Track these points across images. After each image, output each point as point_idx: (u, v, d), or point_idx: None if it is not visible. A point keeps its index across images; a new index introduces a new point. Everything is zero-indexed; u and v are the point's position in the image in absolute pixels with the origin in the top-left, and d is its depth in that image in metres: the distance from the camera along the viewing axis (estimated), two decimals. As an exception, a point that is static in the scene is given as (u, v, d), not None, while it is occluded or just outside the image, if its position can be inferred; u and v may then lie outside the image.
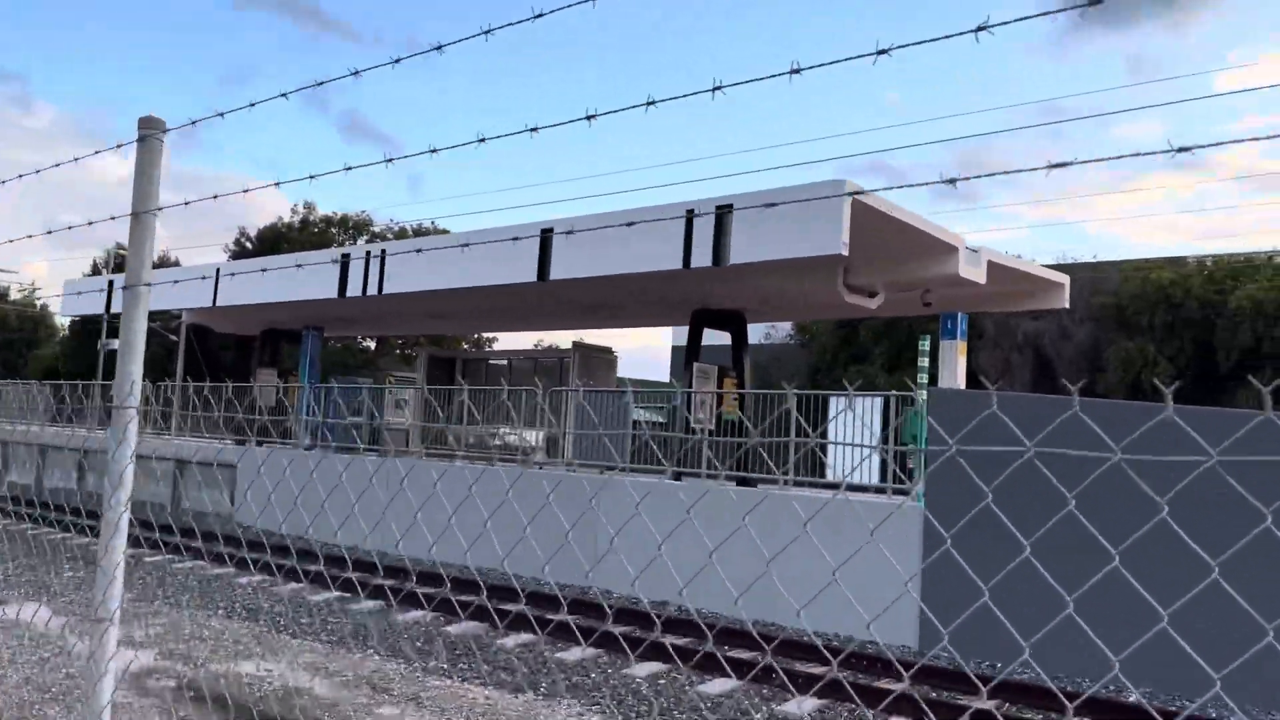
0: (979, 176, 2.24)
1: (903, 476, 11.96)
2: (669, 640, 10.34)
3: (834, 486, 12.73)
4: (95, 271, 70.54)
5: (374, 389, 22.21)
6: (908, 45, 1.97)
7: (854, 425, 12.90)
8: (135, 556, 14.96)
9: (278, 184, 3.50)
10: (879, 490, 12.88)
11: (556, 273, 15.84)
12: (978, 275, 15.27)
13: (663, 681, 8.91)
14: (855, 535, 10.82)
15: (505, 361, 21.53)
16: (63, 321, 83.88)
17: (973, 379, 35.26)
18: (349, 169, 3.13)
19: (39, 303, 79.28)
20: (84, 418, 29.80)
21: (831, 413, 13.63)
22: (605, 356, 19.55)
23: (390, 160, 2.97)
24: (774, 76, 2.22)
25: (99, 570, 3.21)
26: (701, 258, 14.11)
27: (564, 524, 13.43)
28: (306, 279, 20.36)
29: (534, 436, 19.52)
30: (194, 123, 3.12)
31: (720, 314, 17.87)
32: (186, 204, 3.53)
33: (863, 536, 10.59)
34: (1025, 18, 1.89)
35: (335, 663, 9.13)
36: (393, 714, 7.48)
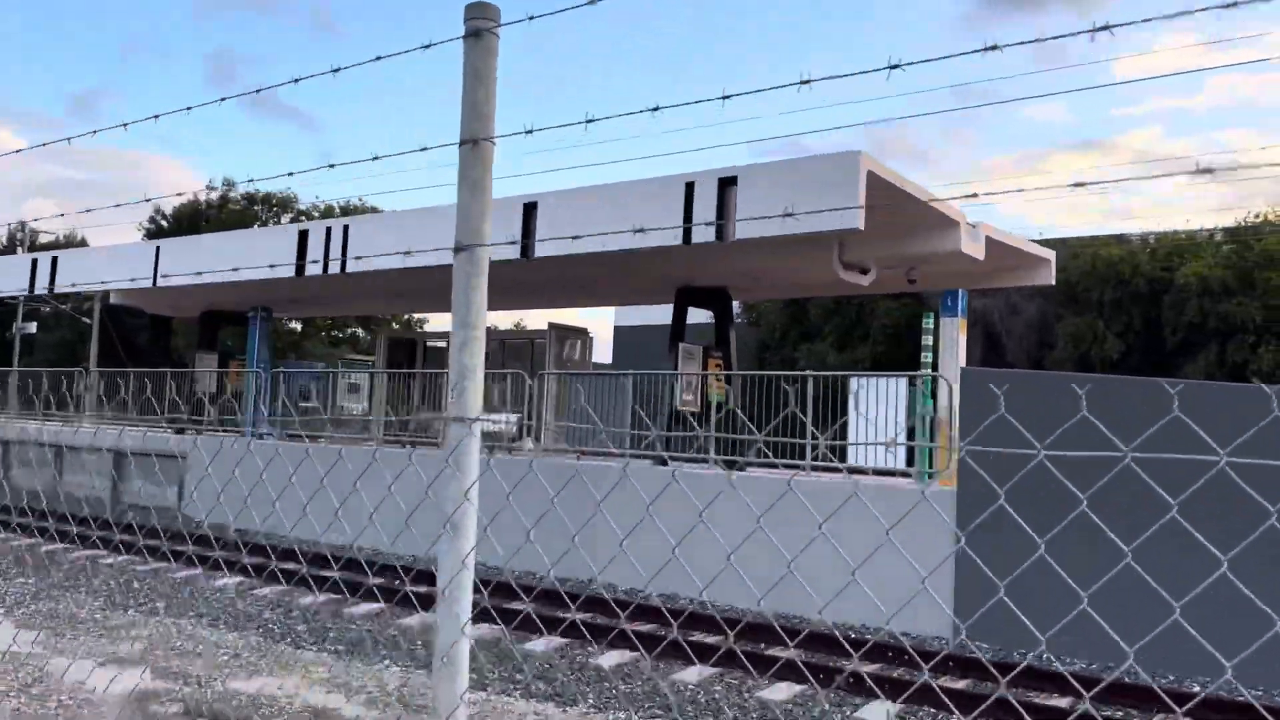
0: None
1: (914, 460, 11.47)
2: (701, 638, 9.70)
3: (857, 472, 12.21)
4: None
5: (322, 374, 21.09)
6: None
7: (877, 408, 12.38)
8: (91, 558, 13.78)
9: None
10: (905, 475, 12.37)
11: (541, 250, 14.99)
12: (977, 251, 14.86)
13: (718, 687, 8.24)
14: (879, 522, 10.28)
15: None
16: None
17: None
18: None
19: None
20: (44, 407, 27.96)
21: (851, 395, 13.08)
22: (580, 338, 18.77)
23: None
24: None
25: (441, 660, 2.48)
26: (704, 232, 13.41)
27: (562, 516, 12.64)
28: (258, 257, 19.14)
29: (503, 420, 18.65)
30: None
31: (705, 292, 17.21)
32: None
33: (889, 523, 10.04)
34: None
35: (354, 676, 8.28)
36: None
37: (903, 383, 12.84)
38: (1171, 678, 9.08)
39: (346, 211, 60.46)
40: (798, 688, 8.07)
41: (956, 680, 8.52)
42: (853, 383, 13.31)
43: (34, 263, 23.56)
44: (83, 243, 57.13)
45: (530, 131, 2.94)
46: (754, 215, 13.00)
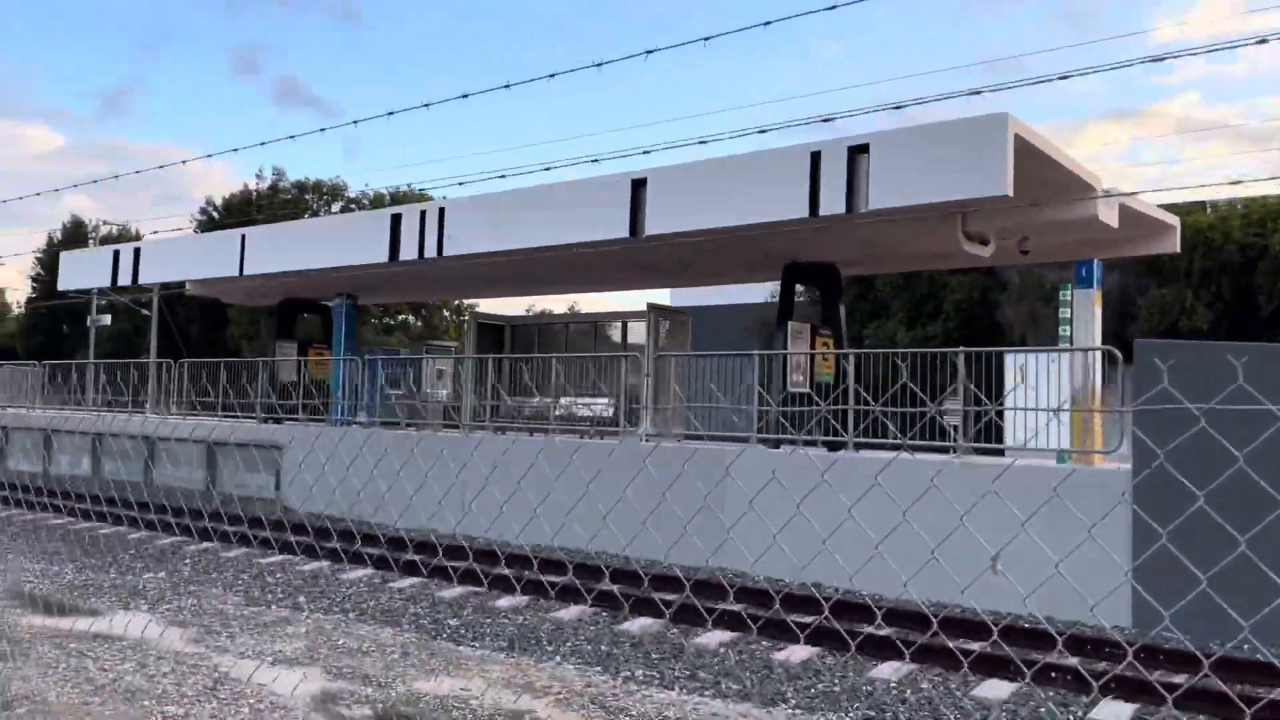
0: None
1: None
2: (870, 629, 9.22)
3: (1005, 453, 11.65)
4: (51, 246, 67.72)
5: (412, 360, 20.79)
6: None
7: (1039, 385, 11.80)
8: (209, 550, 13.55)
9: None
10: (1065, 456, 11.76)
11: (652, 227, 14.51)
12: (1111, 218, 14.19)
13: (926, 685, 7.76)
14: (1044, 507, 9.68)
15: (562, 326, 20.14)
16: (18, 299, 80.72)
17: (996, 332, 34.39)
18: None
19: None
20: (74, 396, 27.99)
21: (1009, 372, 12.49)
22: (679, 318, 18.27)
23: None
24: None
25: None
26: (833, 204, 12.86)
27: (672, 501, 12.26)
28: (345, 243, 18.84)
29: (603, 405, 18.25)
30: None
31: (812, 268, 16.65)
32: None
33: (1056, 509, 9.49)
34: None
35: (534, 675, 7.90)
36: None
37: (1062, 358, 12.20)
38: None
39: (396, 199, 60.43)
40: (1009, 685, 7.56)
41: (1172, 674, 7.98)
42: (1009, 359, 12.70)
43: (116, 255, 23.45)
44: (136, 236, 57.42)
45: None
46: (888, 184, 12.44)
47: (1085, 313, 13.80)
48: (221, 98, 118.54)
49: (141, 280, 23.16)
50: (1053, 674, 7.70)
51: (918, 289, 37.57)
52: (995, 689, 7.43)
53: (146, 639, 8.53)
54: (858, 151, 12.71)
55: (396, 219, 17.71)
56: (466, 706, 6.96)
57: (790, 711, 7.15)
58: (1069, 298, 13.93)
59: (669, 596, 10.30)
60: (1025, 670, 7.20)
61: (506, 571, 10.69)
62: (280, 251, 19.78)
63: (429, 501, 14.20)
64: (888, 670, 7.99)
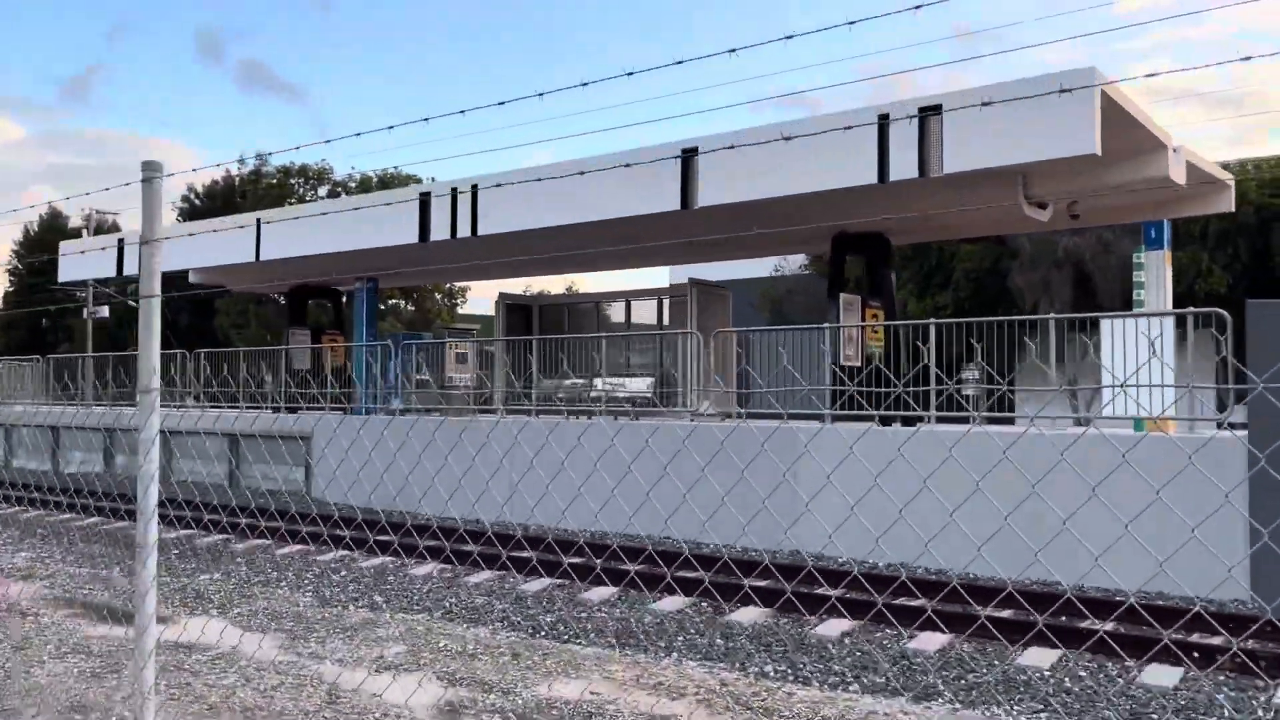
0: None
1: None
2: (994, 612, 8.78)
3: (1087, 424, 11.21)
4: (28, 238, 66.35)
5: (441, 343, 20.17)
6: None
7: (1135, 352, 11.34)
8: (259, 548, 12.96)
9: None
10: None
11: (705, 199, 13.96)
12: (1180, 176, 13.74)
13: (1084, 674, 7.31)
14: (1150, 478, 9.22)
15: (591, 305, 19.58)
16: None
17: (1008, 300, 34.01)
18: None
19: (-27, 273, 74.79)
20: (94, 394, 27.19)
21: (1105, 337, 12.03)
22: (720, 293, 17.74)
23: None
24: None
25: None
26: (903, 168, 12.35)
27: (752, 482, 11.79)
28: (373, 225, 18.18)
29: (643, 385, 17.73)
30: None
31: (862, 238, 16.14)
32: None
33: (1159, 480, 9.03)
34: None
35: (660, 674, 7.40)
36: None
37: (1167, 323, 11.73)
38: None
39: (385, 182, 59.51)
40: (1173, 671, 7.13)
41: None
42: (1104, 324, 12.25)
43: (120, 245, 22.66)
44: (114, 227, 56.20)
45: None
46: (963, 146, 11.93)
47: (1157, 275, 13.37)
48: (184, 82, 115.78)
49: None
50: (1217, 656, 7.27)
51: (928, 259, 37.19)
52: (1159, 676, 6.99)
53: (235, 648, 7.99)
54: (929, 112, 12.19)
55: (426, 199, 17.06)
56: (604, 714, 6.47)
57: (951, 706, 6.69)
58: (1143, 260, 13.45)
59: (758, 583, 9.83)
60: (1175, 653, 6.76)
61: (594, 562, 10.19)
62: (301, 236, 19.07)
63: (477, 488, 13.66)
64: (1037, 657, 7.53)
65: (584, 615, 9.27)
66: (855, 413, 13.34)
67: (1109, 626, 8.28)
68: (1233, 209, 16.42)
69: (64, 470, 22.77)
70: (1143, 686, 6.88)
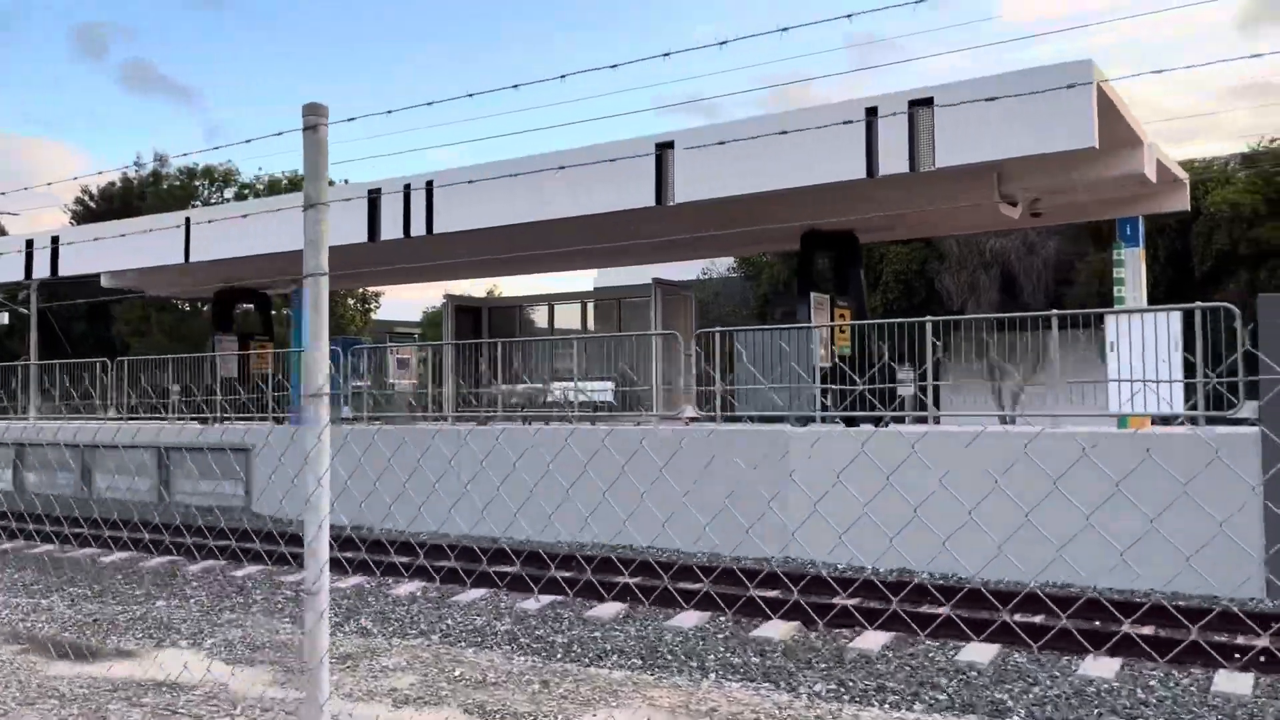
0: None
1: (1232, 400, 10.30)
2: (1020, 617, 8.46)
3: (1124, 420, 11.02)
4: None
5: (390, 347, 19.25)
6: None
7: (1145, 348, 11.17)
8: (214, 570, 11.96)
9: None
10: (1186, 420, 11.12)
11: (681, 194, 13.47)
12: (1152, 173, 13.77)
13: (1155, 684, 6.99)
14: (1156, 475, 9.07)
15: (545, 307, 18.87)
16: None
17: (935, 301, 34.36)
18: None
19: None
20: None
21: (1110, 335, 11.86)
22: (683, 294, 17.25)
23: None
24: None
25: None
26: (893, 162, 12.05)
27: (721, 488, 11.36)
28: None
29: (605, 390, 17.15)
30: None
31: (831, 236, 15.84)
32: None
33: (1156, 476, 8.87)
34: None
35: (709, 699, 6.85)
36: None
37: (1173, 319, 11.61)
38: None
39: (295, 184, 57.68)
40: (1245, 676, 6.87)
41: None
42: (1110, 321, 12.10)
43: (29, 246, 21.15)
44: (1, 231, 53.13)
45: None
46: (956, 139, 11.68)
47: (1133, 270, 13.36)
48: (64, 82, 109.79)
49: (62, 273, 20.94)
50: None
51: (856, 261, 37.34)
52: (1235, 683, 6.71)
53: (223, 685, 7.17)
54: (919, 105, 11.92)
55: (375, 195, 16.21)
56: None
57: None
58: (1123, 257, 13.41)
59: (767, 593, 9.37)
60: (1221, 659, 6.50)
61: (589, 576, 9.57)
62: (235, 236, 17.98)
63: (447, 498, 12.94)
64: (1100, 667, 7.20)
65: (599, 635, 8.66)
66: (853, 413, 12.98)
67: (1148, 630, 8.03)
68: (1188, 208, 16.58)
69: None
70: (1221, 695, 6.59)
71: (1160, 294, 31.82)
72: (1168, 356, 10.73)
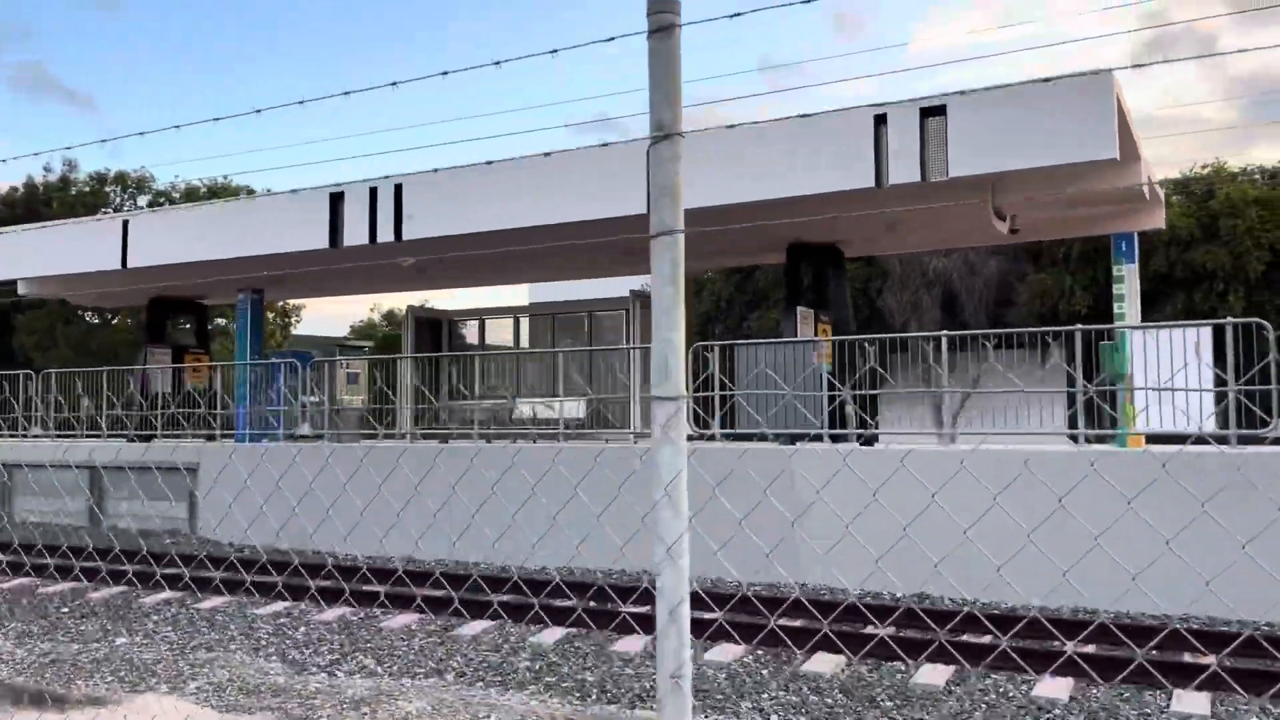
0: None
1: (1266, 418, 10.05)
2: (1063, 646, 8.02)
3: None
4: None
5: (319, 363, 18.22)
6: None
7: (1162, 364, 10.88)
8: (173, 601, 10.89)
9: None
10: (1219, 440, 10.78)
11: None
12: (1147, 188, 13.66)
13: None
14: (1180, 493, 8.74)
15: (511, 320, 18.05)
16: None
17: (878, 319, 34.45)
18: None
19: None
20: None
21: (1136, 350, 11.55)
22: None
23: None
24: None
25: None
26: (903, 171, 11.65)
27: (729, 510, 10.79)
28: (269, 228, 16.20)
29: (575, 406, 16.44)
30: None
31: (815, 249, 15.43)
32: None
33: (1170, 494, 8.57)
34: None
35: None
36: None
37: (1203, 333, 11.33)
38: None
39: (214, 192, 55.68)
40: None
41: None
42: (1131, 336, 11.80)
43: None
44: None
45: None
46: (968, 149, 11.33)
47: (1130, 288, 13.19)
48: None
49: (-20, 276, 19.49)
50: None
51: (798, 278, 37.23)
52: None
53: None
54: (930, 114, 11.55)
55: (337, 198, 15.29)
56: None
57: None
58: (1123, 273, 13.22)
59: (791, 623, 8.80)
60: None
61: (623, 608, 8.86)
62: (180, 240, 16.86)
63: (420, 520, 12.08)
64: (1192, 703, 6.76)
65: (629, 672, 7.95)
66: (875, 430, 12.50)
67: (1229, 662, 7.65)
68: (1163, 225, 16.56)
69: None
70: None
71: (1098, 315, 32.35)
72: (1185, 372, 10.45)
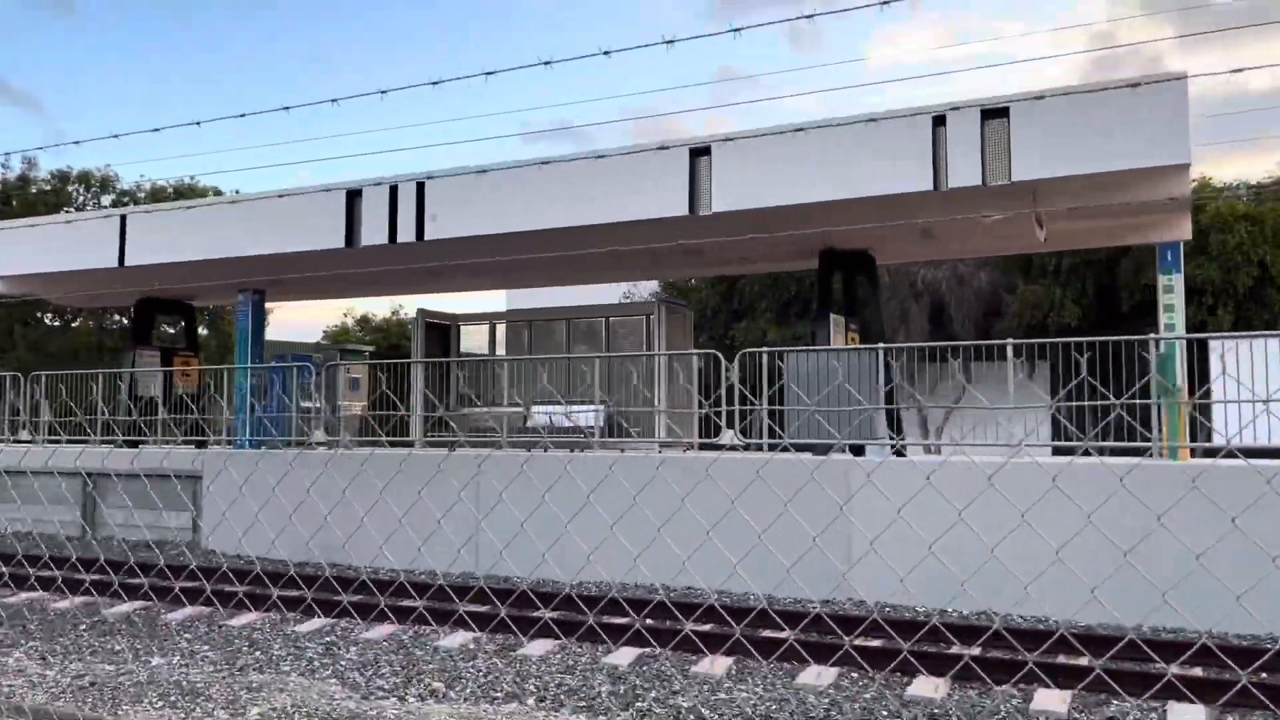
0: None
1: None
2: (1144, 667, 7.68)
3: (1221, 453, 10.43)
4: None
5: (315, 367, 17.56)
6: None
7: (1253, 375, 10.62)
8: (201, 618, 10.23)
9: None
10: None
11: (719, 203, 12.49)
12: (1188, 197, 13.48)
13: None
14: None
15: (524, 324, 17.46)
16: None
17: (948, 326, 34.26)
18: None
19: None
20: None
21: (1214, 360, 11.29)
22: (684, 312, 16.18)
23: None
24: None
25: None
26: (963, 174, 11.33)
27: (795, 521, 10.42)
28: (278, 226, 15.56)
29: (591, 414, 15.96)
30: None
31: (847, 255, 15.09)
32: None
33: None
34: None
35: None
36: None
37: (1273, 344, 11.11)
38: None
39: (179, 192, 54.51)
40: None
41: None
42: (1215, 345, 11.54)
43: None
44: None
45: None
46: (1034, 152, 11.04)
47: (1180, 297, 12.99)
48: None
49: (-34, 273, 18.60)
50: None
51: (785, 289, 37.14)
52: None
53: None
54: (992, 115, 11.25)
55: (354, 197, 14.70)
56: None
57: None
58: (1172, 283, 13.00)
59: (870, 643, 8.39)
60: None
61: (694, 627, 8.39)
62: (179, 238, 16.15)
63: (462, 531, 11.58)
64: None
65: (722, 696, 7.48)
66: (933, 440, 12.12)
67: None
68: (1190, 236, 16.42)
69: None
70: None
71: (1088, 328, 32.42)
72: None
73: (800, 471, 10.97)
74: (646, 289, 43.04)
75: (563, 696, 7.54)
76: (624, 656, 8.45)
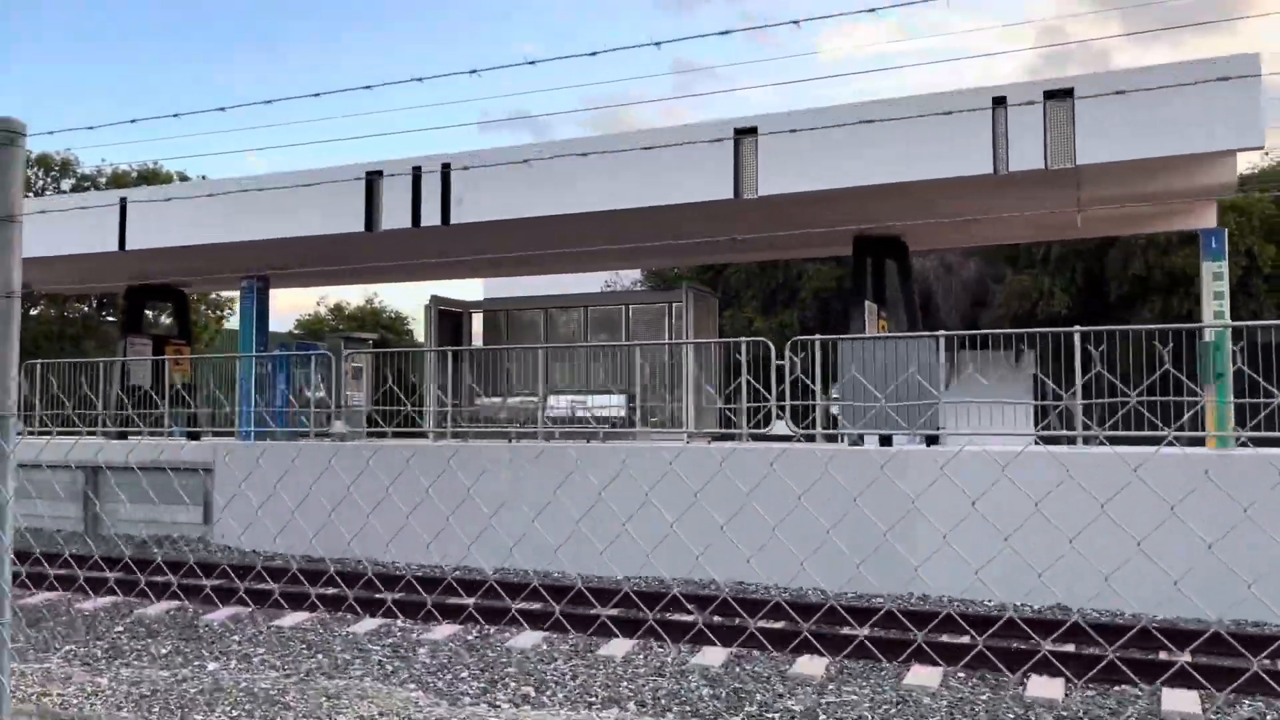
0: None
1: None
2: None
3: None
4: None
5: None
6: None
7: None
8: (241, 619, 9.70)
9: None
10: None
11: (765, 186, 12.14)
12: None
13: None
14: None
15: (539, 312, 16.95)
16: None
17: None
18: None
19: None
20: None
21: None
22: (711, 300, 15.79)
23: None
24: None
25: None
26: (1024, 157, 11.06)
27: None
28: (291, 209, 14.97)
29: (617, 405, 15.56)
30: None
31: (882, 241, 14.81)
32: None
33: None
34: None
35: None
36: None
37: None
38: None
39: (144, 177, 53.24)
40: None
41: None
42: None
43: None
44: None
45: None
46: (1101, 135, 10.80)
47: (1223, 285, 12.85)
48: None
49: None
50: None
51: (771, 279, 36.93)
52: None
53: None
54: (1055, 96, 10.98)
55: (374, 180, 14.16)
56: None
57: None
58: (1221, 270, 12.84)
59: (958, 639, 8.10)
60: None
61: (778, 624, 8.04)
62: (185, 222, 15.48)
63: (512, 532, 11.13)
64: None
65: (834, 700, 7.15)
66: (1006, 432, 11.87)
67: None
68: (1215, 224, 16.34)
69: None
70: None
71: (1075, 316, 32.53)
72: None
73: (865, 462, 10.67)
74: (628, 278, 42.64)
75: (664, 700, 7.16)
76: (713, 657, 8.08)
